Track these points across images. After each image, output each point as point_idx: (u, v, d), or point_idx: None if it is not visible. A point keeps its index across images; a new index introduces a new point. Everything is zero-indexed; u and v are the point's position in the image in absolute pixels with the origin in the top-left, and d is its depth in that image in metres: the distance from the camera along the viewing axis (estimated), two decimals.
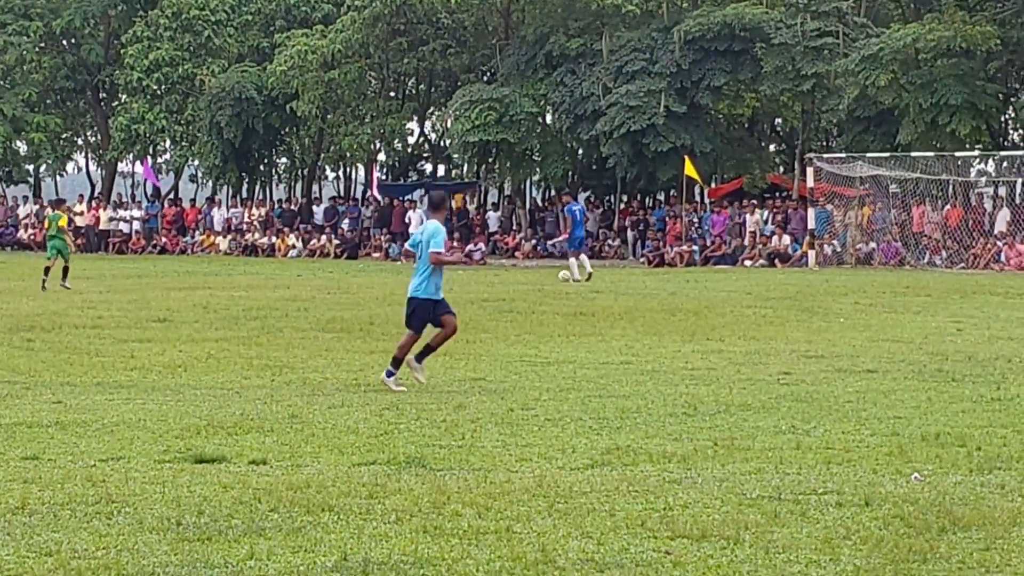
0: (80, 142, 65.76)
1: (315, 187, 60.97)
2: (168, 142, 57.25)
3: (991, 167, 44.76)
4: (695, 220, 44.28)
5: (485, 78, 51.07)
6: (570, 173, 49.54)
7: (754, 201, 43.84)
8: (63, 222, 30.55)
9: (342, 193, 60.29)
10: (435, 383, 14.47)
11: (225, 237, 52.14)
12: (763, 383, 14.24)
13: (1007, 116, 45.97)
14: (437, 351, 14.35)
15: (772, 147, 54.76)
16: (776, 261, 40.25)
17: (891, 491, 8.65)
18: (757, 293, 26.94)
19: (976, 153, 41.95)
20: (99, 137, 61.63)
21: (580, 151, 48.98)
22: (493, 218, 50.58)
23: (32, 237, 54.27)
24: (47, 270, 29.07)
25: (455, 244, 45.90)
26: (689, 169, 40.98)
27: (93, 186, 64.93)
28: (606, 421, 11.70)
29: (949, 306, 24.20)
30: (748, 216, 42.91)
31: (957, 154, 38.84)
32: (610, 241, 46.55)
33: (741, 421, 11.67)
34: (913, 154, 38.66)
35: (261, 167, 57.37)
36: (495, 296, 25.16)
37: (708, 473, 9.31)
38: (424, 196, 51.33)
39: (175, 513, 8.01)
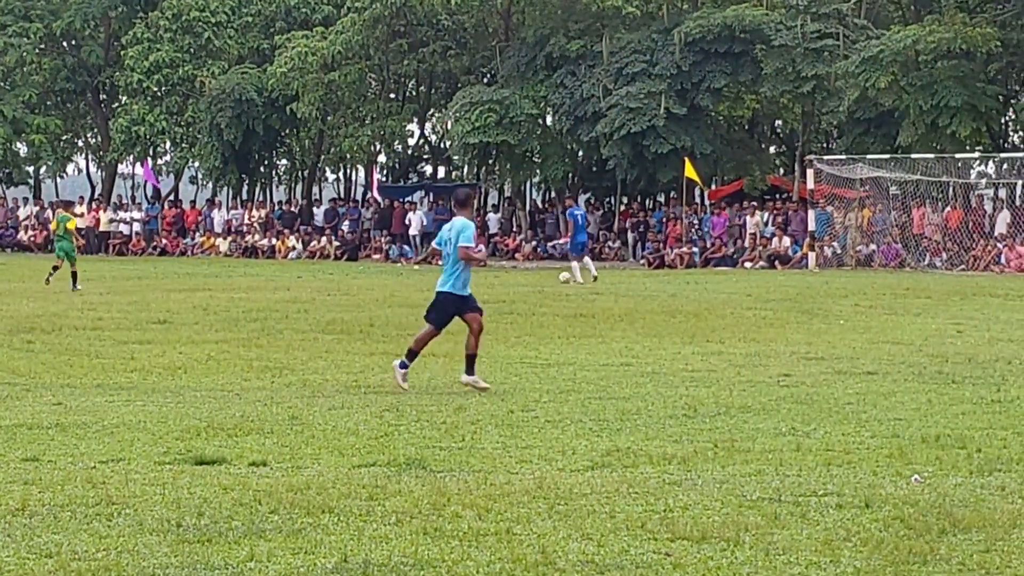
0: (80, 144, 65.79)
1: (315, 189, 60.98)
2: (168, 144, 57.26)
3: (991, 169, 44.77)
4: (695, 222, 44.28)
5: (485, 80, 51.08)
6: (570, 175, 49.54)
7: (754, 203, 43.84)
8: (72, 224, 30.57)
9: (342, 195, 60.32)
10: (435, 384, 14.47)
11: (225, 239, 52.14)
12: (763, 385, 14.23)
13: (1007, 118, 45.98)
14: (478, 352, 14.22)
15: (772, 149, 54.78)
16: (776, 263, 40.25)
17: (891, 493, 8.65)
18: (757, 295, 26.95)
19: (976, 155, 41.96)
20: (99, 139, 61.64)
21: (580, 153, 48.99)
22: (493, 220, 50.57)
23: (32, 239, 54.31)
24: (55, 268, 29.24)
25: None
26: (689, 171, 40.99)
27: (93, 188, 64.96)
28: (606, 423, 11.70)
29: (949, 308, 24.20)
30: (748, 218, 42.91)
31: (957, 156, 38.83)
32: (610, 243, 46.54)
33: (741, 423, 11.66)
34: (913, 156, 38.65)
35: (261, 169, 57.38)
36: (495, 298, 25.15)
37: (708, 475, 9.30)
38: (424, 197, 51.48)
39: (175, 515, 8.01)
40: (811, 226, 39.91)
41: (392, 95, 54.87)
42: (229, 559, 7.06)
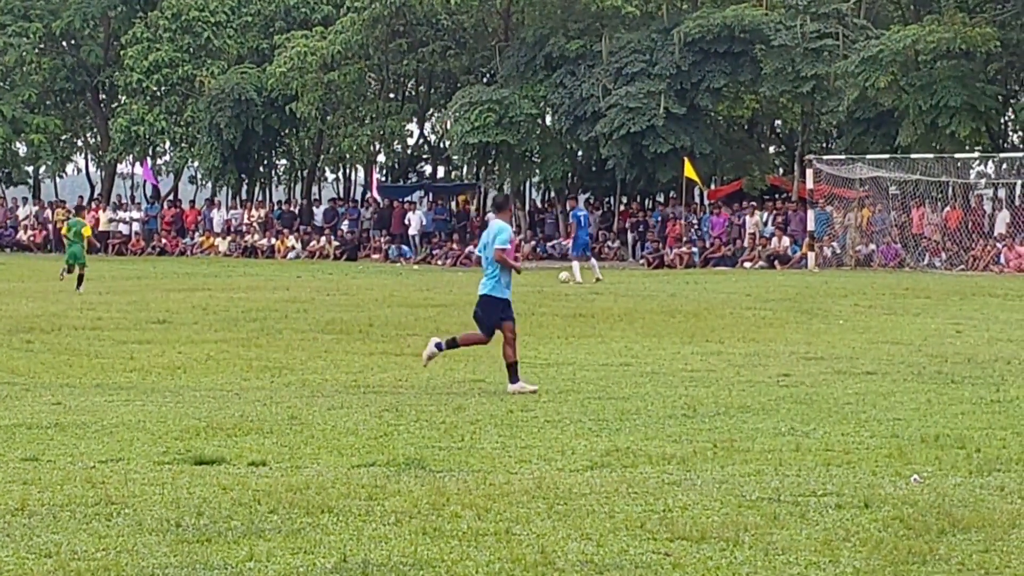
0: (80, 143, 65.76)
1: (314, 188, 60.95)
2: (168, 143, 57.23)
3: (991, 169, 44.73)
4: (694, 222, 44.28)
5: (485, 80, 51.05)
6: (570, 175, 49.52)
7: (753, 203, 43.82)
8: (87, 231, 30.70)
9: (342, 195, 60.28)
10: (435, 384, 14.48)
11: (224, 238, 52.12)
12: (762, 385, 14.24)
13: (1007, 118, 45.94)
14: (517, 358, 14.12)
15: (772, 149, 54.75)
16: (776, 263, 40.24)
17: (890, 493, 8.65)
18: (756, 295, 26.95)
19: (976, 155, 41.93)
20: (99, 138, 61.62)
21: (580, 153, 48.97)
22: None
23: (32, 239, 54.32)
24: (70, 267, 29.39)
25: (454, 246, 45.95)
26: (689, 171, 40.98)
27: (93, 187, 64.95)
28: (605, 423, 11.70)
29: (948, 308, 24.20)
30: (748, 218, 42.89)
31: (957, 156, 38.82)
32: (609, 243, 46.53)
33: (740, 423, 11.67)
34: (913, 156, 38.64)
35: (260, 168, 57.35)
36: None
37: (707, 475, 9.31)
38: (423, 197, 51.48)
39: (174, 515, 8.01)
40: (810, 226, 39.90)
41: (392, 95, 54.85)
42: (228, 559, 7.07)
